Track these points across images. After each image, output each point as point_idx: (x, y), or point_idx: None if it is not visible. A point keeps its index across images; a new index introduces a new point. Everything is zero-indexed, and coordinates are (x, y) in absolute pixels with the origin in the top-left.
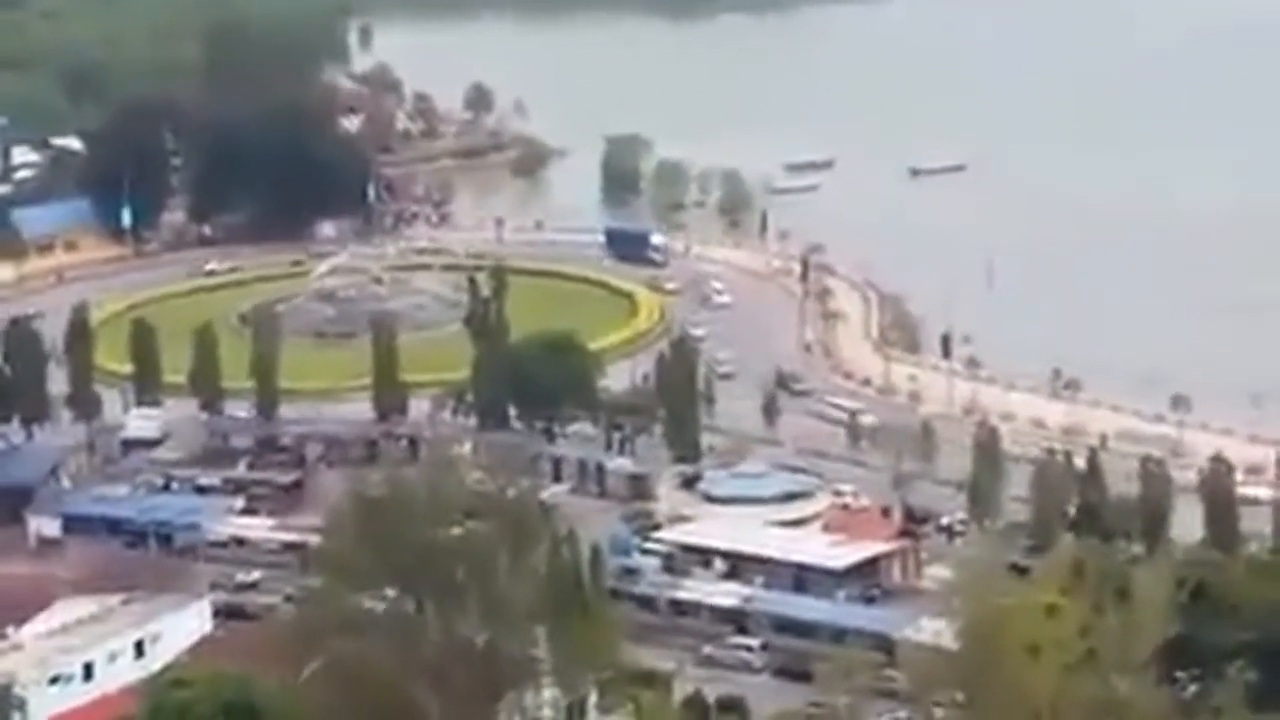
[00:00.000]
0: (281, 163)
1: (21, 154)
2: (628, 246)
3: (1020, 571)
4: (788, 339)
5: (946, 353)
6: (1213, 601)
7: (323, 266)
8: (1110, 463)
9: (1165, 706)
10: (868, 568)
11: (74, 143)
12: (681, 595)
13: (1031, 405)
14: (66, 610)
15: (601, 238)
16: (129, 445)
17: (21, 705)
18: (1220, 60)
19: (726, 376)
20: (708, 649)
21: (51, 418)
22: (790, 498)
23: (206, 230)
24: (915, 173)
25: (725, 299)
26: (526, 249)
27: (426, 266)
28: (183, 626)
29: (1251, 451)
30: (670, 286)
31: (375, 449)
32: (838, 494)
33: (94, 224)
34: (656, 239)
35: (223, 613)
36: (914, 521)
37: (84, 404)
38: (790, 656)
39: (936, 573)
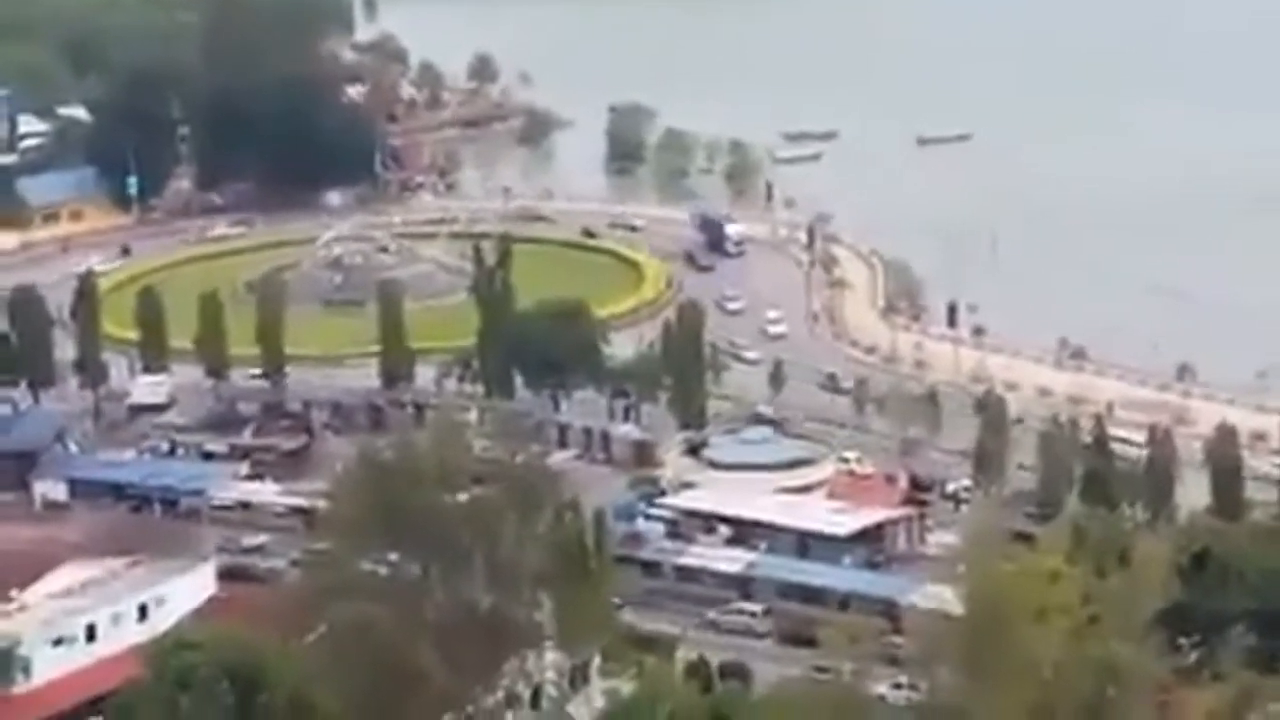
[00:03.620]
0: (287, 132)
1: (27, 123)
2: (711, 234)
3: (1025, 539)
4: (795, 308)
5: (952, 321)
6: (1215, 568)
7: (329, 234)
8: (1116, 430)
9: (1166, 671)
10: (872, 534)
11: (80, 112)
12: (686, 561)
13: (1037, 373)
14: (71, 573)
15: (689, 224)
16: (135, 411)
17: (26, 666)
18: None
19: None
20: (711, 614)
21: (58, 383)
22: (795, 464)
23: (213, 199)
24: (923, 142)
25: (781, 328)
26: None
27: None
28: (187, 590)
29: (1257, 420)
30: (733, 307)
31: (381, 415)
32: (843, 461)
33: (100, 193)
34: (732, 229)
35: (227, 576)
36: (919, 489)
37: (91, 370)
38: (794, 622)
39: (941, 539)
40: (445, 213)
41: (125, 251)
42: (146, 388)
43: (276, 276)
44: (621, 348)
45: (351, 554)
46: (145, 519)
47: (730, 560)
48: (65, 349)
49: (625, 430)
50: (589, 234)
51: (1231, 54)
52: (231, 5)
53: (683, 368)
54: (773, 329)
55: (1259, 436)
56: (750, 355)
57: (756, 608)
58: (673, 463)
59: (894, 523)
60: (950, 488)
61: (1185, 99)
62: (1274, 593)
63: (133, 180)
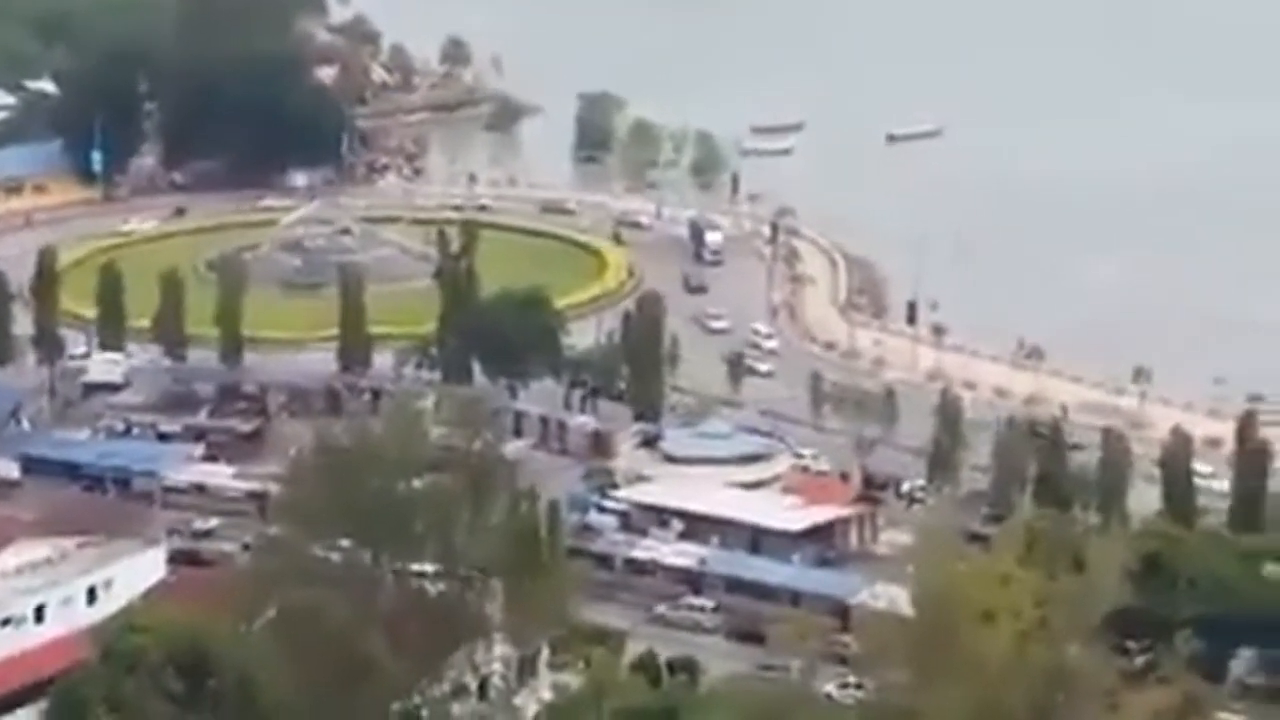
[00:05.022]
0: (255, 111)
1: None
2: (698, 242)
3: (978, 540)
4: (756, 302)
5: (912, 319)
6: (1165, 573)
7: (291, 216)
8: (1071, 433)
9: (1114, 675)
10: (824, 531)
11: (48, 85)
12: (637, 554)
13: (995, 374)
14: (21, 552)
15: (686, 229)
16: (90, 389)
17: None
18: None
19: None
20: (661, 608)
21: (14, 359)
22: (750, 459)
23: (177, 177)
24: (892, 138)
25: (773, 344)
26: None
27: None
28: (138, 572)
29: (1211, 426)
30: (717, 326)
31: (338, 400)
32: (798, 457)
33: (64, 167)
34: (711, 238)
35: (179, 559)
36: (873, 487)
37: (48, 346)
38: (744, 618)
39: (893, 538)
40: (467, 201)
41: (180, 212)
42: (102, 366)
43: (236, 257)
44: (581, 337)
45: (304, 539)
46: (98, 499)
47: (681, 555)
48: (23, 325)
49: (581, 421)
50: (618, 238)
51: (1226, 41)
52: None
53: (641, 359)
54: (765, 344)
55: (1213, 442)
56: (763, 368)
57: (707, 603)
58: (628, 455)
59: (846, 520)
60: (905, 486)
61: (1171, 87)
62: (1223, 599)
63: (97, 156)
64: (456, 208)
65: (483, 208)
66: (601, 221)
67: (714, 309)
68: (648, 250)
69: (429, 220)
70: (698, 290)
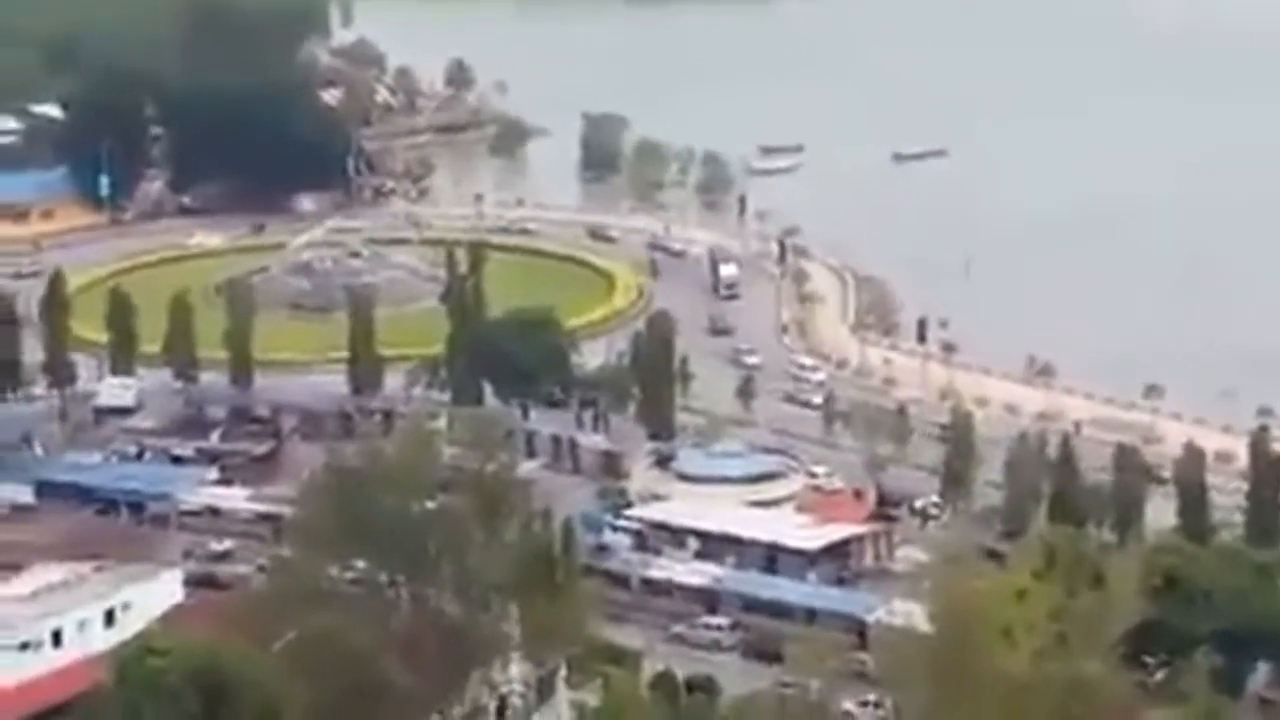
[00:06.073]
0: (261, 135)
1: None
2: (714, 273)
3: (994, 556)
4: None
5: (922, 337)
6: (1183, 589)
7: (301, 239)
8: (1084, 449)
9: (1132, 691)
10: (839, 549)
11: (54, 111)
12: (653, 574)
13: (1006, 391)
14: (37, 576)
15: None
16: (102, 413)
17: None
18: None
19: None
20: (678, 628)
21: (25, 384)
22: (763, 478)
23: (185, 201)
24: (899, 158)
25: (820, 376)
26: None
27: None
28: (153, 595)
29: (1223, 441)
30: (751, 361)
31: (350, 422)
32: (811, 475)
33: (71, 192)
34: (726, 271)
35: (194, 582)
36: (887, 504)
37: (59, 371)
38: (760, 637)
39: (908, 555)
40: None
41: (259, 228)
42: (114, 390)
43: (245, 281)
44: (592, 357)
45: (318, 561)
46: (112, 523)
47: (697, 574)
48: (34, 350)
49: (593, 440)
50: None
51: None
52: (209, 7)
53: (652, 379)
54: (813, 377)
55: (1224, 458)
56: (816, 400)
57: (723, 622)
58: (641, 474)
59: (861, 538)
60: (918, 504)
61: (1179, 97)
62: (1241, 614)
63: (104, 180)
64: (501, 229)
65: (525, 231)
66: (636, 248)
67: (745, 344)
68: (678, 276)
69: (438, 241)
70: (722, 333)
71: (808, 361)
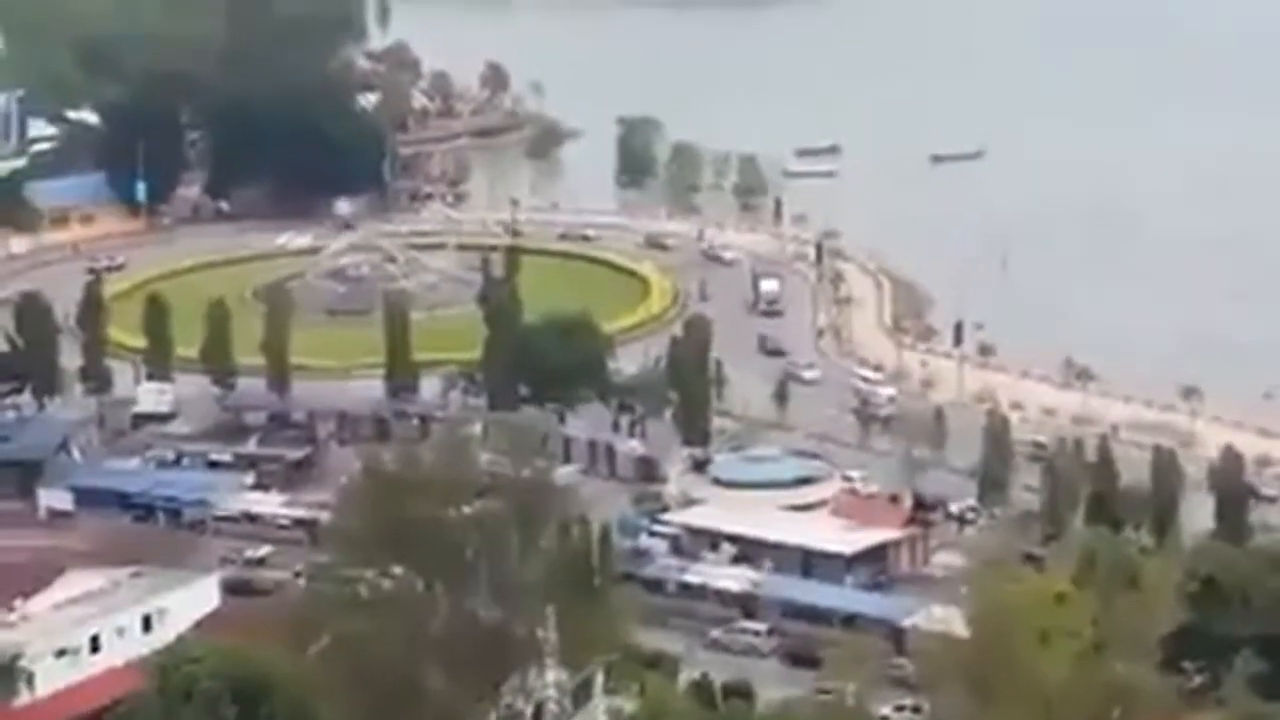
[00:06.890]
0: (298, 139)
1: (37, 127)
2: (756, 289)
3: (1032, 560)
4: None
5: (959, 340)
6: (1222, 593)
7: (339, 243)
8: (1121, 452)
9: (1172, 695)
10: (876, 554)
11: (90, 116)
12: (690, 579)
13: (1043, 394)
14: (75, 583)
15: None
16: (140, 419)
17: (29, 678)
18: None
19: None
20: (715, 633)
21: (63, 390)
22: (800, 483)
23: (222, 206)
24: (937, 159)
25: (890, 390)
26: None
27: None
28: (191, 601)
29: (1262, 444)
30: (809, 376)
31: (386, 427)
32: (847, 480)
33: (109, 198)
34: (767, 286)
35: (231, 588)
36: (923, 508)
37: (96, 377)
38: (798, 642)
39: (944, 560)
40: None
41: (348, 226)
42: (151, 396)
43: (282, 286)
44: (628, 361)
45: (355, 567)
46: (149, 529)
47: (734, 578)
48: (72, 356)
49: (630, 445)
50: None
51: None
52: (245, 12)
53: (688, 384)
54: (882, 391)
55: (1264, 462)
56: (883, 413)
57: (760, 626)
58: (677, 479)
59: (898, 543)
60: (955, 508)
61: (1218, 103)
62: None
63: (141, 185)
64: (562, 236)
65: (585, 237)
66: (691, 255)
67: (804, 359)
68: (724, 289)
69: (475, 245)
70: (775, 354)
71: (872, 375)
